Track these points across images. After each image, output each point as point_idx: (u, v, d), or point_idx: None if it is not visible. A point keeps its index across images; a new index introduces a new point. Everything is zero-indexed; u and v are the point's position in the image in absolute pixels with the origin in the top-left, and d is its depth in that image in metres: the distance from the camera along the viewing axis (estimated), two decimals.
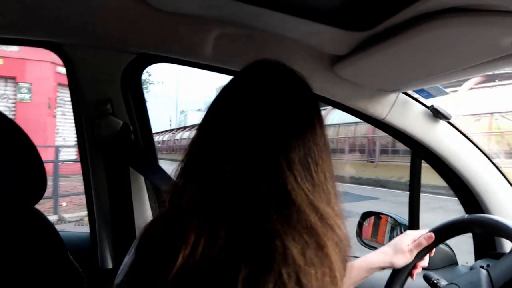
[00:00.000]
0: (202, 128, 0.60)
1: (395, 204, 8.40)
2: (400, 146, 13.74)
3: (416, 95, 1.15)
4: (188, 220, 0.52)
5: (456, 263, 1.31)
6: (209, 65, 1.05)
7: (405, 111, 1.14)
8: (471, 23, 0.67)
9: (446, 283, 1.02)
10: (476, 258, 1.29)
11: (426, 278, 1.06)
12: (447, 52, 0.78)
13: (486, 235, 1.26)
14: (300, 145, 0.55)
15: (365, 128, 14.48)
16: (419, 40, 0.75)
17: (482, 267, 1.18)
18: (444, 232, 0.98)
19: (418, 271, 1.03)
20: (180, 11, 0.88)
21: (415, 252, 0.97)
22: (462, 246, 1.40)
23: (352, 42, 0.87)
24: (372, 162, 14.31)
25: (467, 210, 1.25)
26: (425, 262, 1.03)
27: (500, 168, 1.18)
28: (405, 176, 12.93)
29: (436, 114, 1.13)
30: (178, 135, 28.89)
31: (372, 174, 12.89)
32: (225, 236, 0.50)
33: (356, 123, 14.84)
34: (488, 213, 1.19)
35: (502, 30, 0.67)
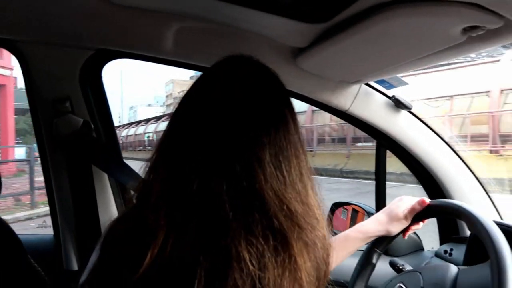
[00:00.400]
0: (172, 124, 0.59)
1: (328, 191, 8.88)
2: (335, 134, 14.34)
3: (378, 86, 1.17)
4: (156, 218, 0.51)
5: (422, 249, 1.35)
6: (171, 60, 1.04)
7: (368, 102, 1.16)
8: (421, 14, 0.69)
9: (411, 268, 1.04)
10: (441, 243, 1.33)
11: (392, 264, 1.09)
12: (401, 42, 0.80)
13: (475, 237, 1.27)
14: (272, 142, 0.54)
15: (303, 118, 14.97)
16: (373, 31, 0.76)
17: (445, 251, 1.23)
18: (436, 209, 0.93)
19: (410, 233, 0.99)
20: (136, 4, 0.86)
21: (410, 218, 0.93)
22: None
23: (311, 34, 0.87)
24: (311, 151, 14.70)
25: (430, 196, 1.29)
26: (419, 226, 0.98)
27: (459, 154, 1.22)
28: (340, 163, 13.46)
29: (398, 104, 1.16)
30: (124, 132, 28.28)
31: (311, 163, 13.38)
32: (190, 238, 0.49)
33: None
34: (450, 198, 1.23)
35: (451, 20, 0.69)
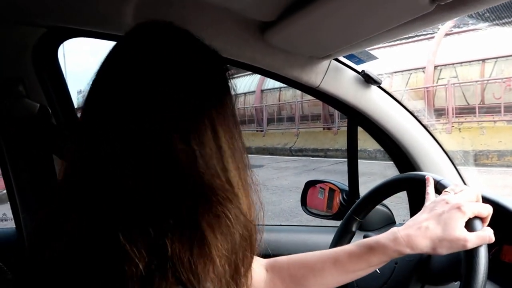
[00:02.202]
0: (87, 100, 0.53)
1: (276, 170, 9.43)
2: (284, 113, 14.56)
3: (347, 62, 1.16)
4: (69, 200, 0.48)
5: (394, 222, 1.38)
6: None
7: (338, 78, 1.15)
8: None
9: None
10: (412, 216, 1.35)
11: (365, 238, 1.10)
12: (370, 12, 0.78)
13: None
14: (198, 112, 0.50)
15: (252, 98, 15.40)
16: (340, 2, 0.74)
17: None
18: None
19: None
20: None
21: (475, 242, 0.66)
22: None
23: (277, 7, 0.84)
24: (261, 131, 15.19)
25: (400, 170, 1.30)
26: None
27: (428, 128, 1.24)
28: (289, 142, 14.04)
29: (368, 79, 1.15)
30: None
31: (261, 143, 13.85)
32: (93, 220, 0.46)
33: (245, 93, 15.68)
34: (421, 171, 1.25)
35: None
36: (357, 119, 1.26)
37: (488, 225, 0.71)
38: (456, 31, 10.40)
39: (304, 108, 13.91)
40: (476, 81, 9.59)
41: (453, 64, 10.08)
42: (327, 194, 1.49)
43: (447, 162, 1.26)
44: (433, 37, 10.53)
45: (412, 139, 1.23)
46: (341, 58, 1.14)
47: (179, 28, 0.56)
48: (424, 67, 10.48)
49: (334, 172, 8.00)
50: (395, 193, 0.99)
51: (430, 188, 0.78)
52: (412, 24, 0.79)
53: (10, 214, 1.12)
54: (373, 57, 1.10)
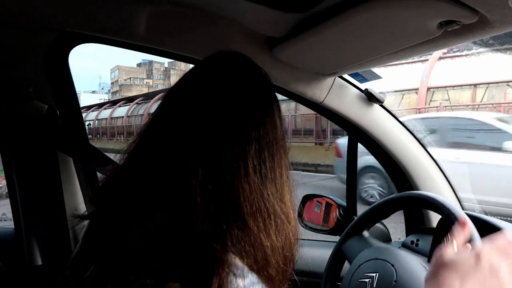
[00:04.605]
0: (157, 117, 0.58)
1: None
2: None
3: (351, 79, 1.18)
4: (125, 210, 0.52)
5: (390, 240, 1.39)
6: (143, 45, 0.99)
7: (342, 95, 1.17)
8: (399, 7, 0.70)
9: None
10: (407, 234, 1.37)
11: None
12: (378, 35, 0.80)
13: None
14: (258, 137, 0.55)
15: None
16: (351, 23, 0.76)
17: (412, 242, 1.27)
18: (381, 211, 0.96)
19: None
20: None
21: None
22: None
23: (288, 24, 0.86)
24: None
25: (399, 189, 1.32)
26: None
27: (426, 147, 1.26)
28: None
29: (370, 97, 1.18)
30: None
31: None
32: (155, 234, 0.49)
33: None
34: (418, 190, 1.27)
35: (429, 14, 0.70)
36: (358, 135, 1.29)
37: None
38: (449, 56, 10.62)
39: (297, 123, 13.98)
40: (467, 105, 9.75)
41: (446, 87, 10.26)
42: (323, 208, 1.50)
43: (444, 182, 1.29)
44: (427, 60, 10.74)
45: (411, 158, 1.26)
46: (346, 76, 1.17)
47: (246, 58, 0.64)
48: (417, 89, 10.65)
49: (324, 188, 8.01)
50: (392, 213, 1.00)
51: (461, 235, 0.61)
52: (418, 47, 0.82)
53: (9, 214, 1.12)
54: (377, 76, 1.13)
